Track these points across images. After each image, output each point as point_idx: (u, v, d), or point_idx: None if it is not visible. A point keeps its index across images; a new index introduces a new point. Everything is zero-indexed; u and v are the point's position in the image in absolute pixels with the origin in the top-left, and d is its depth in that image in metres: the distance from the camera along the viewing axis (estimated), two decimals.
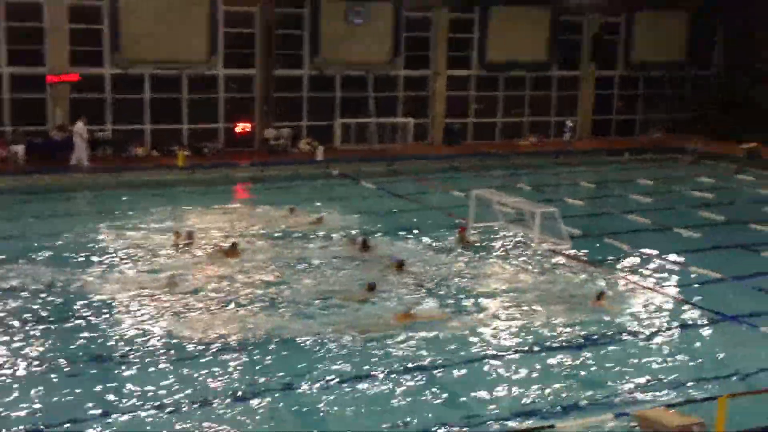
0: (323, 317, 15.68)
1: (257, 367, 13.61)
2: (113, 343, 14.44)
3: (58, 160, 29.03)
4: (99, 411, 12.03)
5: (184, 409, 12.18)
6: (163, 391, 12.66)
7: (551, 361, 14.22)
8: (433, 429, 11.82)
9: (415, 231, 22.34)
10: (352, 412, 12.24)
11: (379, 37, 34.95)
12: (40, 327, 15.04)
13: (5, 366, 13.39)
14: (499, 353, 14.44)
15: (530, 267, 19.34)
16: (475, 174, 31.88)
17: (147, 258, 19.14)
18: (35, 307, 15.99)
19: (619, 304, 16.84)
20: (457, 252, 20.38)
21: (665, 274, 19.20)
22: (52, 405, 12.19)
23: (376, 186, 28.87)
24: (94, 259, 19.05)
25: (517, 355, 14.40)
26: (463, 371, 13.75)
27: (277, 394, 12.75)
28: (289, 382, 13.07)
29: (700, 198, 27.86)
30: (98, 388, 12.75)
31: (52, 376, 13.16)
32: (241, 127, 33.21)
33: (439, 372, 13.66)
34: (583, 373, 13.78)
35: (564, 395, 12.88)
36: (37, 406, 12.14)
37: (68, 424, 11.65)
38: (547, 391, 13.02)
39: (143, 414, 12.00)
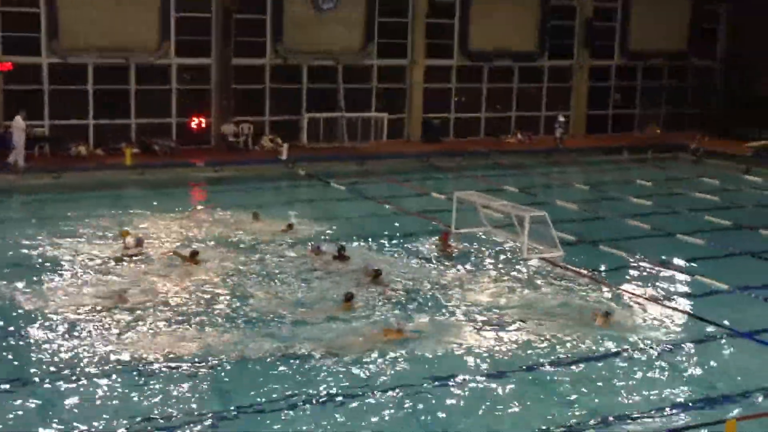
0: (290, 334, 15.66)
1: (213, 391, 13.59)
2: (47, 365, 14.33)
3: None
4: None
5: None
6: (102, 421, 12.61)
7: (541, 381, 14.31)
8: None
9: (392, 238, 22.38)
10: None
11: (349, 23, 35.03)
12: None
13: None
14: (485, 372, 14.50)
15: (518, 277, 19.44)
16: (457, 175, 32.00)
17: (90, 270, 19.01)
18: None
19: (616, 319, 16.96)
20: (439, 261, 20.46)
21: (667, 285, 19.37)
22: None
23: (347, 188, 28.92)
24: (29, 271, 18.88)
25: (504, 374, 14.46)
26: (445, 391, 13.79)
27: (237, 420, 12.76)
28: (249, 407, 13.08)
29: (704, 201, 28.14)
30: (28, 413, 12.70)
31: None
32: (196, 122, 33.14)
33: (417, 392, 13.69)
34: (576, 394, 13.85)
35: (555, 418, 12.96)
36: None
37: None
38: (536, 413, 13.09)
39: None
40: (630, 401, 13.63)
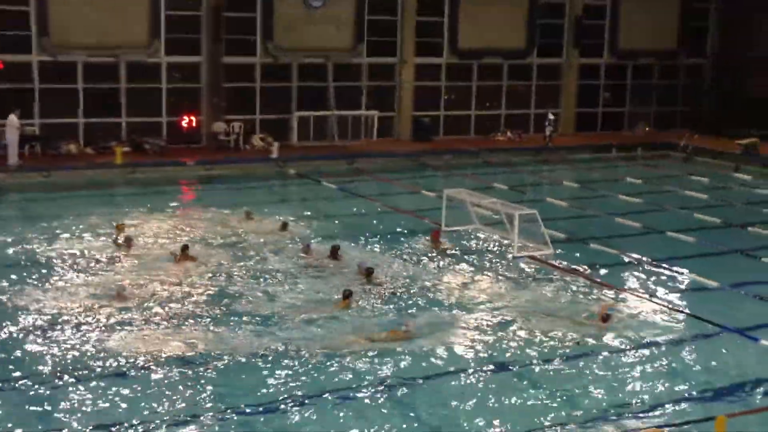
0: (286, 333, 15.67)
1: (207, 390, 13.58)
2: (34, 365, 14.31)
3: None
4: None
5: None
6: (100, 417, 12.61)
7: (532, 378, 14.36)
8: None
9: (383, 236, 22.41)
10: None
11: (339, 21, 35.03)
12: None
13: None
14: (477, 370, 14.54)
15: (509, 275, 19.48)
16: (447, 173, 32.06)
17: (80, 269, 18.97)
18: None
19: (604, 316, 17.01)
20: (430, 258, 20.49)
21: (657, 283, 19.42)
22: None
23: (338, 186, 28.93)
24: (18, 270, 18.86)
25: (495, 372, 14.51)
26: (438, 389, 13.85)
27: (233, 420, 12.77)
28: (244, 407, 13.09)
29: (694, 199, 28.23)
30: (28, 411, 12.70)
31: None
32: (187, 120, 33.10)
33: (410, 390, 13.76)
34: (566, 391, 13.90)
35: (546, 416, 13.00)
36: None
37: None
38: (528, 411, 13.14)
39: None
40: (620, 398, 13.69)
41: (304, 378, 13.95)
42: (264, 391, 13.55)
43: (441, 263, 20.21)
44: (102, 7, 31.39)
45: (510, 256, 20.89)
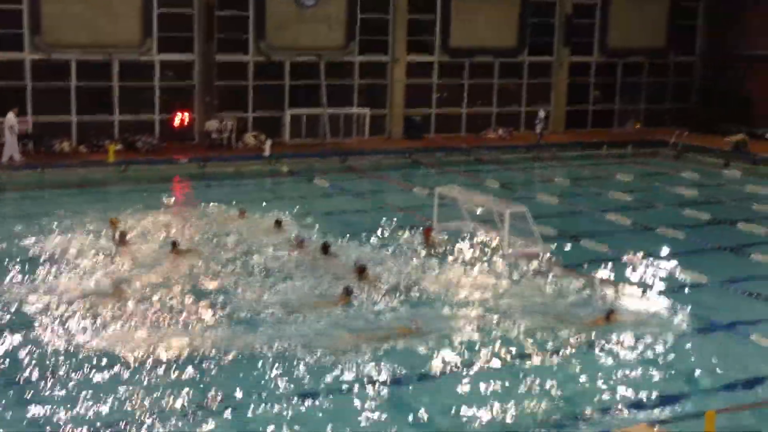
0: (282, 331, 15.64)
1: (204, 386, 13.57)
2: (29, 362, 14.27)
3: None
4: None
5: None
6: (95, 415, 12.58)
7: (524, 375, 14.34)
8: None
9: (376, 233, 22.39)
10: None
11: (331, 19, 34.99)
12: None
13: None
14: (470, 368, 14.54)
15: (500, 272, 19.45)
16: (438, 170, 32.06)
17: (74, 266, 18.93)
18: None
19: (595, 312, 17.03)
20: (422, 255, 20.48)
21: (646, 279, 19.46)
22: None
23: (330, 184, 28.91)
24: (11, 268, 18.81)
25: (489, 370, 14.52)
26: (432, 387, 13.86)
27: (233, 418, 12.76)
28: (242, 404, 13.08)
29: (684, 195, 28.26)
30: (22, 410, 12.65)
31: None
32: (179, 118, 33.03)
33: (402, 388, 13.76)
34: (558, 388, 13.89)
35: (538, 412, 13.01)
36: None
37: None
38: (520, 408, 13.13)
39: None
40: (610, 394, 13.70)
41: (303, 376, 13.94)
42: (262, 388, 13.52)
43: (433, 260, 20.18)
44: (94, 6, 31.33)
45: (501, 252, 20.86)
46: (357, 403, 13.14)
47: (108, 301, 16.68)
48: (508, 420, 12.77)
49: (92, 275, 18.30)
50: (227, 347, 14.83)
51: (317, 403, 13.14)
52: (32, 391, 13.29)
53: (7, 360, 14.34)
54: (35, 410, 12.63)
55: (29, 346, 14.76)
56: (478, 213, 23.45)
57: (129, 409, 12.73)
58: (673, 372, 14.70)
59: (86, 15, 31.21)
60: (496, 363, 14.76)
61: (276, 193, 29.14)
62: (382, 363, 14.44)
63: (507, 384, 13.94)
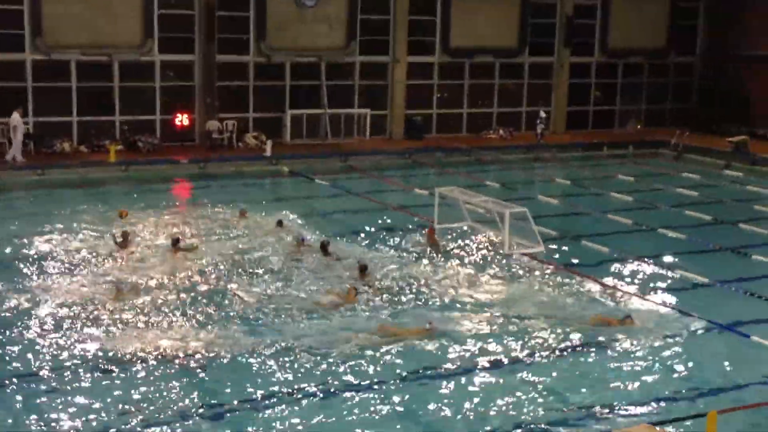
0: (284, 330, 15.63)
1: (206, 387, 13.56)
2: (29, 362, 14.28)
3: None
4: None
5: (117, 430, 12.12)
6: (97, 414, 12.56)
7: (526, 375, 14.36)
8: None
9: (378, 233, 22.41)
10: None
11: (332, 20, 34.96)
12: None
13: None
14: (471, 367, 14.54)
15: (501, 273, 19.46)
16: (439, 170, 32.04)
17: (75, 266, 18.93)
18: None
19: (596, 313, 17.02)
20: (426, 255, 20.46)
21: (648, 279, 19.44)
22: None
23: (331, 184, 28.89)
24: (11, 268, 18.80)
25: (489, 369, 14.52)
26: (434, 387, 13.84)
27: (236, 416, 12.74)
28: (245, 403, 13.07)
29: (685, 196, 28.24)
30: (24, 409, 12.65)
31: None
32: (180, 119, 33.00)
33: (404, 386, 13.75)
34: (560, 388, 13.92)
35: (540, 412, 13.01)
36: None
37: None
38: (522, 407, 13.14)
39: None
40: (612, 394, 13.71)
41: (306, 375, 13.95)
42: (267, 387, 13.54)
43: (436, 260, 20.18)
44: (95, 6, 31.30)
45: (501, 253, 20.85)
46: (373, 403, 13.18)
47: (109, 300, 16.67)
48: (499, 420, 12.75)
49: (93, 275, 18.30)
50: (233, 346, 14.86)
51: (328, 402, 13.16)
52: (36, 389, 13.30)
53: (7, 358, 14.35)
54: (38, 407, 12.64)
55: (26, 346, 14.76)
56: (478, 213, 23.42)
57: (131, 407, 12.71)
58: (674, 372, 14.70)
59: (87, 16, 31.18)
60: (492, 362, 14.75)
61: (277, 194, 29.12)
62: (397, 362, 14.50)
63: (503, 383, 13.96)
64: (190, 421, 12.44)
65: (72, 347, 14.74)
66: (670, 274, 19.91)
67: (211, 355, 14.55)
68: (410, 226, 23.30)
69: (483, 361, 14.77)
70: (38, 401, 12.95)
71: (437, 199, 23.11)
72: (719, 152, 34.72)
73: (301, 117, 34.45)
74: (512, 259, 20.48)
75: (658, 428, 12.00)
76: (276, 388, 13.51)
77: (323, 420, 12.58)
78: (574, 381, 14.17)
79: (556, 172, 32.89)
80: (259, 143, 33.00)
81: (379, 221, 23.97)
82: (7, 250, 20.20)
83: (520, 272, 19.57)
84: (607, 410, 13.14)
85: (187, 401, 13.02)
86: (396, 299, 17.46)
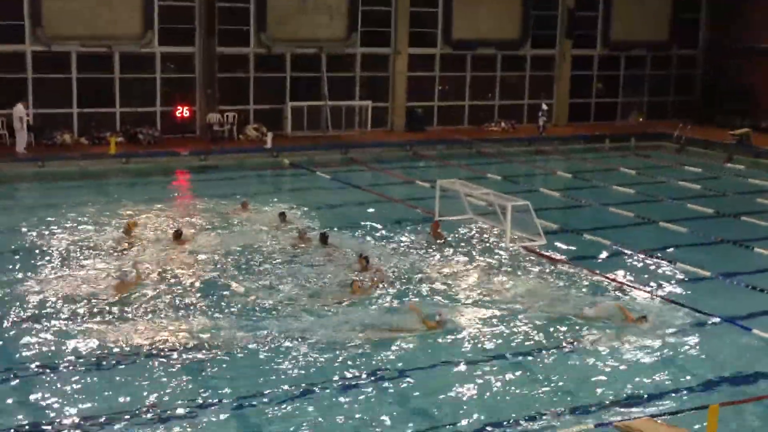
0: (289, 323, 15.64)
1: (208, 380, 13.58)
2: (29, 355, 14.31)
3: None
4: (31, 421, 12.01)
5: (121, 422, 12.14)
6: (99, 407, 12.60)
7: (527, 368, 14.40)
8: None
9: (380, 226, 22.40)
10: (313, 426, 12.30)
11: (333, 11, 34.92)
12: None
13: None
14: (473, 360, 14.57)
15: (503, 266, 19.47)
16: (440, 163, 32.04)
17: (76, 258, 18.96)
18: None
19: (599, 306, 17.04)
20: (431, 249, 20.47)
21: (650, 273, 19.45)
22: None
23: (332, 176, 28.90)
24: (15, 260, 18.83)
25: (491, 361, 14.55)
26: (436, 379, 13.87)
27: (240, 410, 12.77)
28: (242, 396, 13.09)
29: (687, 189, 28.27)
30: (24, 401, 12.68)
31: None
32: (181, 111, 33.00)
33: (408, 379, 13.77)
34: (561, 380, 13.95)
35: (541, 405, 13.04)
36: None
37: None
38: (523, 400, 13.19)
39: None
40: (613, 387, 13.72)
41: (311, 369, 13.97)
42: (271, 381, 13.57)
43: (441, 253, 20.20)
44: None
45: (502, 247, 20.86)
46: (378, 397, 13.21)
47: (111, 292, 16.70)
48: (500, 413, 12.79)
49: (94, 267, 18.32)
50: (236, 340, 14.89)
51: (333, 396, 13.18)
52: (37, 381, 13.34)
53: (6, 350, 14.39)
54: (38, 399, 12.69)
55: (26, 338, 14.79)
56: (480, 206, 23.43)
57: (133, 400, 12.75)
58: (675, 365, 14.71)
59: (87, 7, 31.15)
60: (497, 356, 14.77)
61: (277, 186, 29.14)
62: (403, 356, 14.53)
63: (499, 376, 13.97)
64: (193, 415, 12.44)
65: (74, 339, 14.75)
66: (671, 267, 19.90)
67: (214, 348, 14.56)
68: (412, 219, 23.30)
69: (487, 354, 14.79)
70: (37, 393, 12.98)
71: (438, 192, 23.12)
72: (722, 145, 34.69)
73: (302, 109, 34.43)
74: (514, 251, 20.50)
75: (659, 420, 12.02)
76: (281, 382, 13.52)
77: (328, 414, 12.58)
78: (576, 374, 14.20)
79: (558, 164, 32.90)
80: (260, 135, 33.00)
81: (380, 213, 23.97)
82: (7, 242, 20.20)
83: (523, 265, 19.57)
84: (608, 402, 13.17)
85: (188, 395, 13.04)
86: (401, 291, 17.46)
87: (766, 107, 37.99)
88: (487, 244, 21.15)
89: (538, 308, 16.75)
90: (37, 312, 15.90)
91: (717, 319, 16.63)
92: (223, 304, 16.54)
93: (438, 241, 20.99)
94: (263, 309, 16.35)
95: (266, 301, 16.68)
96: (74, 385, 13.22)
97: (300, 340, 14.90)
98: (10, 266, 18.35)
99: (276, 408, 12.72)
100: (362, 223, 22.67)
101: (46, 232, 20.87)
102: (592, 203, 26.22)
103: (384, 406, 12.93)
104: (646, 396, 13.44)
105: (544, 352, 15.01)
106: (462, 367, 14.31)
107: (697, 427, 11.85)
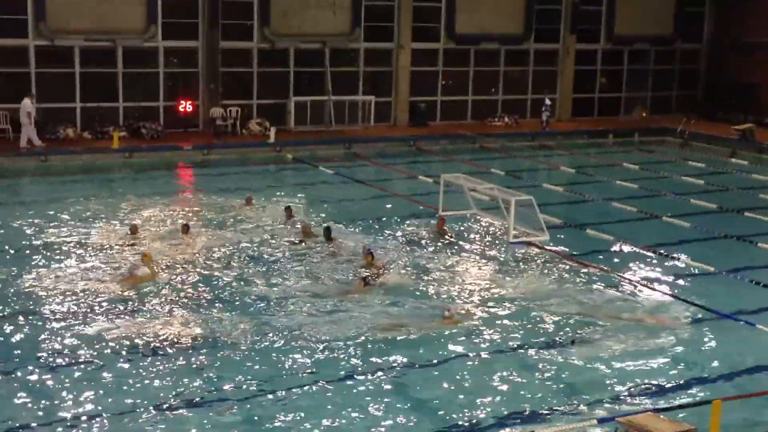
0: (295, 319, 15.68)
1: (213, 375, 13.63)
2: (34, 350, 14.34)
3: None
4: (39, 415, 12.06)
5: (130, 417, 12.19)
6: (104, 402, 12.65)
7: (531, 363, 14.44)
8: None
9: (384, 221, 22.45)
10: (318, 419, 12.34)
11: (337, 6, 34.90)
12: None
13: None
14: (477, 355, 14.62)
15: (507, 261, 19.51)
16: (443, 158, 32.05)
17: (79, 253, 19.00)
18: None
19: (602, 301, 17.07)
20: (436, 244, 20.51)
21: (653, 268, 19.48)
22: None
23: (335, 171, 28.92)
24: (17, 255, 18.88)
25: (495, 357, 14.60)
26: (440, 374, 13.90)
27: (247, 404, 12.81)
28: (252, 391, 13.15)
29: (690, 184, 28.25)
30: (29, 397, 12.73)
31: None
32: (184, 105, 33.02)
33: (414, 374, 13.81)
34: (564, 376, 13.99)
35: (544, 400, 13.08)
36: None
37: None
38: (527, 395, 13.23)
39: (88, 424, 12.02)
40: (617, 382, 13.75)
41: (317, 364, 14.02)
42: (276, 375, 13.62)
43: (445, 249, 20.22)
44: None
45: (506, 241, 20.88)
46: (383, 392, 13.27)
47: (120, 287, 16.75)
48: (504, 407, 12.84)
49: (100, 261, 18.37)
50: (241, 334, 14.93)
51: (338, 391, 13.21)
52: (43, 377, 13.39)
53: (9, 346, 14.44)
54: (43, 395, 12.73)
55: (31, 334, 14.83)
56: (483, 201, 23.44)
57: (138, 396, 12.80)
58: (678, 360, 14.74)
59: (90, 1, 31.18)
60: (503, 350, 14.86)
61: (280, 181, 29.16)
62: (407, 352, 14.54)
63: (504, 371, 14.01)
64: (197, 411, 12.48)
65: (83, 333, 14.82)
66: (675, 262, 19.93)
67: (219, 342, 14.61)
68: (414, 214, 23.32)
69: (494, 350, 14.84)
70: (45, 388, 13.04)
71: (442, 187, 23.14)
72: (725, 140, 34.68)
73: (305, 104, 34.43)
74: (518, 247, 20.51)
75: (662, 416, 12.05)
76: (286, 376, 13.57)
77: (335, 410, 12.61)
78: (579, 368, 14.22)
79: (562, 159, 32.90)
80: (263, 130, 33.02)
81: (383, 208, 24.00)
82: (11, 236, 20.24)
83: (527, 260, 19.61)
84: (612, 397, 13.21)
85: (193, 390, 13.08)
86: (407, 288, 17.49)
87: None
88: (492, 240, 21.17)
89: (542, 304, 16.77)
90: (41, 307, 15.94)
91: (720, 315, 16.65)
92: (228, 299, 16.59)
93: (443, 237, 20.99)
94: (269, 303, 16.38)
95: (271, 297, 16.71)
96: (84, 378, 13.30)
97: (306, 335, 14.93)
98: (14, 261, 18.37)
99: (283, 403, 12.76)
100: (365, 217, 22.70)
101: (49, 227, 20.89)
102: (595, 198, 26.23)
103: (390, 401, 12.96)
104: (648, 391, 13.48)
105: (547, 346, 15.03)
106: (468, 363, 14.33)
107: (699, 422, 11.87)
